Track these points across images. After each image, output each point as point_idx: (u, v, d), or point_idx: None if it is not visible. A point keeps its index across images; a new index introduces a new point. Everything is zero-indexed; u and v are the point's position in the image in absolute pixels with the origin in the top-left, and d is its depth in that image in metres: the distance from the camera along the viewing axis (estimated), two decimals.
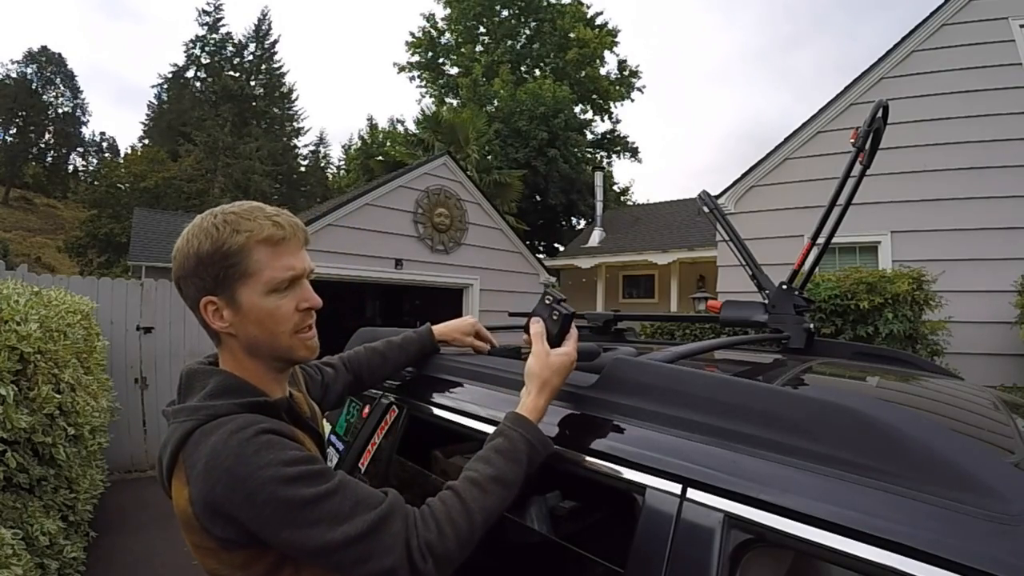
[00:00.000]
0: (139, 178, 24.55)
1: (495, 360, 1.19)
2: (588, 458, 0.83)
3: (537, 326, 0.92)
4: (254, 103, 29.26)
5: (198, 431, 0.70)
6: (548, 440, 0.82)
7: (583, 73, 25.30)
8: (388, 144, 20.68)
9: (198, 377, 0.79)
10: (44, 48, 31.06)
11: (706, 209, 1.98)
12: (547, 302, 0.93)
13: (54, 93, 32.00)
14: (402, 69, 27.46)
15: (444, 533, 0.69)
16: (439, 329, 1.27)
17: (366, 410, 1.41)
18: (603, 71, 26.30)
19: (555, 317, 0.92)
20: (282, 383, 0.86)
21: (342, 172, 30.78)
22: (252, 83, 29.53)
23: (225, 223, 0.76)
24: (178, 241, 0.78)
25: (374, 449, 1.29)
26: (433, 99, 26.77)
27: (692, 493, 0.70)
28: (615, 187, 25.82)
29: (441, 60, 27.00)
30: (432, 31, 26.92)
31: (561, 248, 18.80)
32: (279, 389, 0.85)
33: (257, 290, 0.77)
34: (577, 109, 24.09)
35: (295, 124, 32.12)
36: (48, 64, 31.23)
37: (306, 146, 33.83)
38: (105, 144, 35.84)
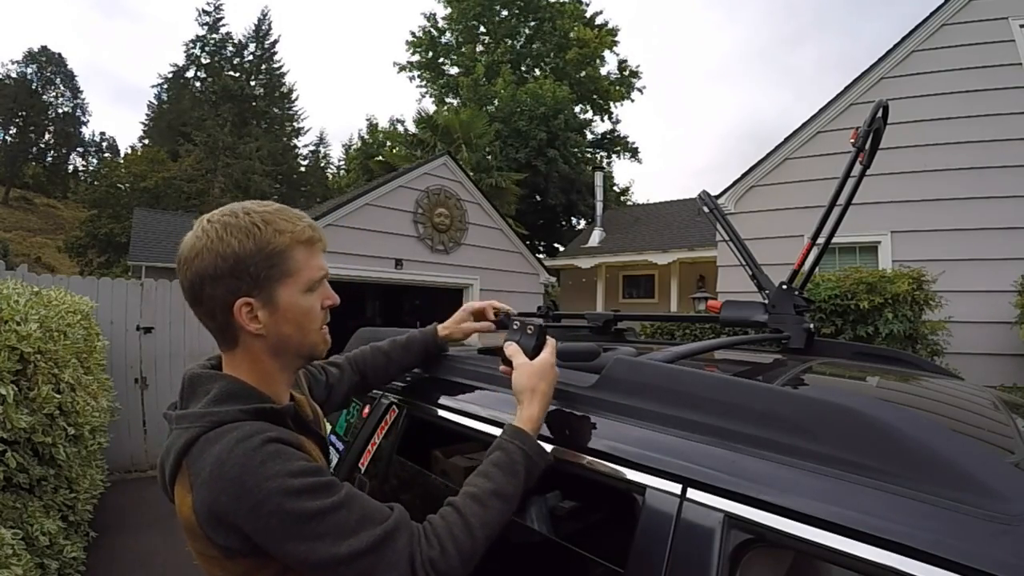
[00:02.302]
0: (139, 178, 24.54)
1: (489, 359, 1.19)
2: (588, 458, 0.83)
3: (512, 347, 0.94)
4: (254, 103, 29.25)
5: (202, 438, 0.69)
6: (545, 451, 0.84)
7: (583, 73, 25.30)
8: (388, 144, 20.64)
9: (201, 382, 0.78)
10: (44, 48, 31.13)
11: (706, 209, 1.98)
12: (515, 327, 0.95)
13: (54, 93, 32.01)
14: (402, 69, 27.47)
15: (447, 550, 0.69)
16: (443, 328, 1.24)
17: (366, 410, 1.41)
18: (603, 71, 26.31)
19: (529, 331, 0.93)
20: (290, 386, 0.86)
21: (342, 172, 30.77)
22: (252, 83, 29.52)
23: (265, 223, 0.75)
24: (198, 240, 0.74)
25: (374, 449, 1.29)
26: (433, 99, 26.80)
27: (692, 493, 0.70)
28: (615, 187, 25.81)
29: (441, 60, 27.00)
30: (432, 31, 26.92)
31: (561, 248, 18.80)
32: (286, 392, 0.84)
33: (296, 289, 0.78)
34: (577, 109, 24.08)
35: (295, 124, 32.14)
36: (48, 64, 31.23)
37: (306, 146, 33.94)
38: (105, 144, 35.91)
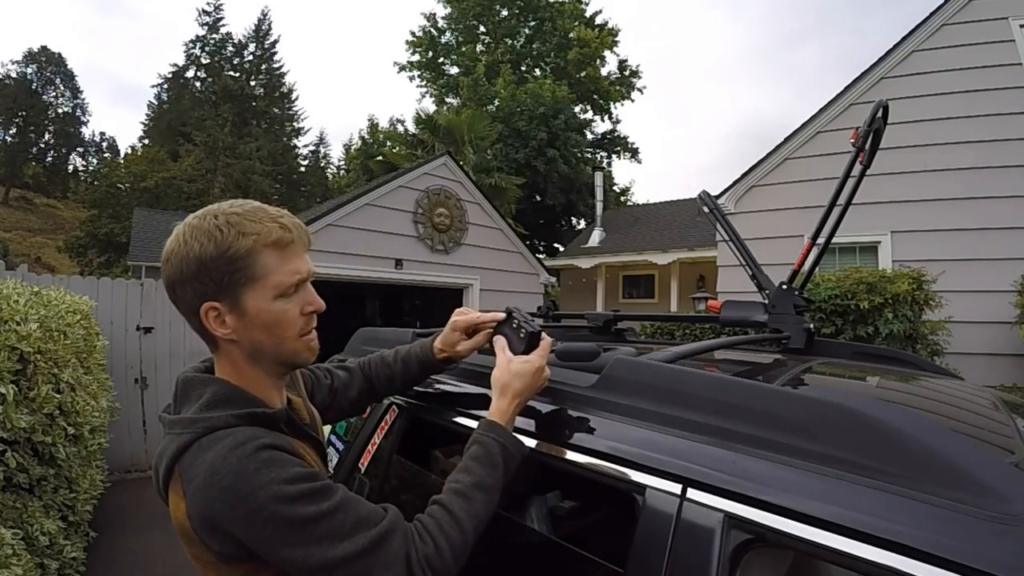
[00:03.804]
0: (139, 178, 24.54)
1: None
2: (588, 458, 0.83)
3: (501, 340, 0.94)
4: (254, 103, 29.21)
5: (195, 445, 0.69)
6: (521, 442, 0.85)
7: (583, 73, 25.29)
8: (388, 144, 20.62)
9: (194, 385, 0.77)
10: (44, 48, 31.13)
11: (706, 209, 1.98)
12: (514, 325, 0.95)
13: (54, 93, 32.03)
14: (402, 68, 27.46)
15: (440, 546, 0.70)
16: (439, 351, 1.07)
17: (366, 410, 1.41)
18: (603, 71, 26.29)
19: (521, 335, 0.93)
20: (281, 389, 0.85)
21: (342, 172, 30.79)
22: (252, 83, 29.47)
23: (229, 225, 0.72)
24: (171, 243, 0.74)
25: (374, 449, 1.29)
26: (433, 99, 26.79)
27: (692, 493, 0.70)
28: (615, 187, 25.81)
29: (441, 60, 26.99)
30: (432, 30, 26.91)
31: (561, 248, 18.79)
32: (278, 396, 0.83)
33: (264, 295, 0.74)
34: (577, 109, 24.06)
35: (295, 124, 32.09)
36: (48, 64, 31.24)
37: (306, 146, 33.84)
38: (105, 144, 35.93)
